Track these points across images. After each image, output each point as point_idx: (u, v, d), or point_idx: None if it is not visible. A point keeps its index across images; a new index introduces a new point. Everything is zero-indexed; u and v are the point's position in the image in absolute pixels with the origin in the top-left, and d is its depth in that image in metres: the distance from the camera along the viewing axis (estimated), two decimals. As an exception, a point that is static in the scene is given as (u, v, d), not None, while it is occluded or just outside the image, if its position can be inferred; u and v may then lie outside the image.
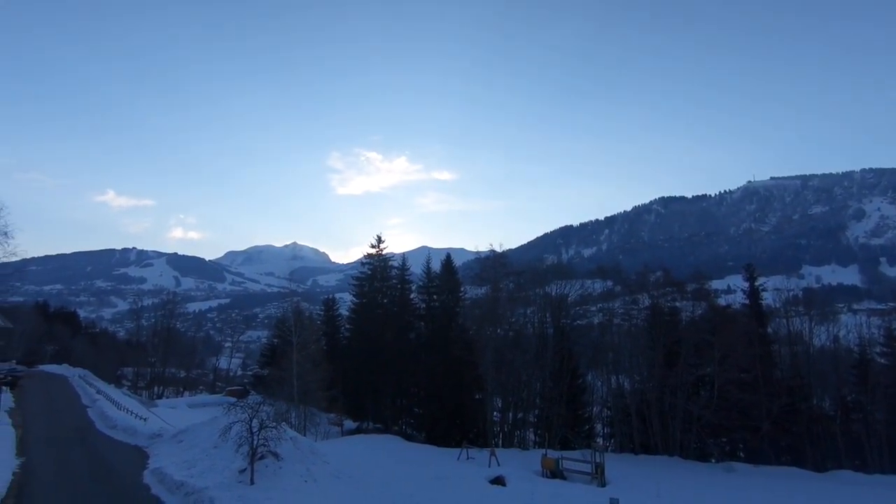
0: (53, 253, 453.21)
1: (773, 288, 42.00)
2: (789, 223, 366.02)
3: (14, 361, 56.12)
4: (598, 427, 40.11)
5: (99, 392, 42.01)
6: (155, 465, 18.00)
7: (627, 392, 36.15)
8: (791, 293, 40.41)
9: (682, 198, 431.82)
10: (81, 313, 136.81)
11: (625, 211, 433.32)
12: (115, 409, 33.86)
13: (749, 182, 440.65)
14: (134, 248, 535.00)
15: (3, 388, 37.46)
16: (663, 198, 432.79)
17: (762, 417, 31.02)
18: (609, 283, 45.18)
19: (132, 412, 33.65)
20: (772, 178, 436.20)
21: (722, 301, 44.59)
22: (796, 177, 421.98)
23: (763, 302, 37.74)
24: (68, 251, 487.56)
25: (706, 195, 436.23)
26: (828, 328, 37.52)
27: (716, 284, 56.35)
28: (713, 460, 32.51)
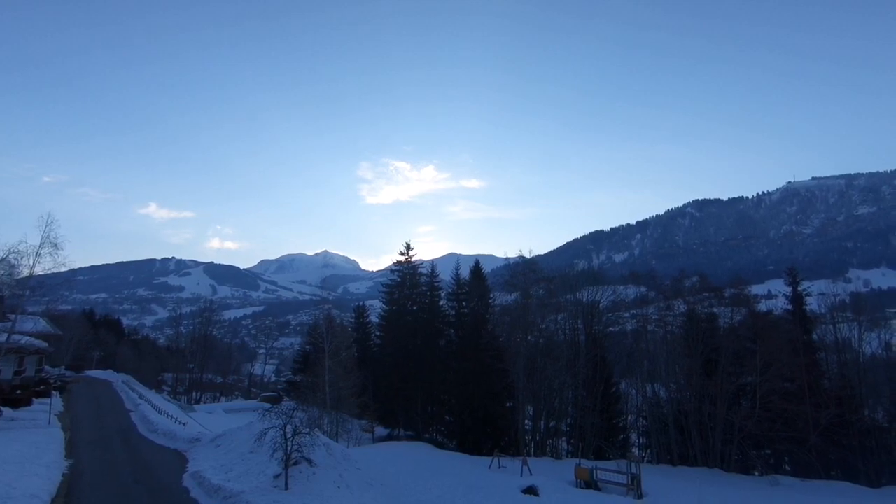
0: (99, 263, 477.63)
1: (818, 293, 40.08)
2: (834, 225, 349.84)
3: (63, 367, 58.88)
4: (634, 437, 39.02)
5: (141, 397, 43.62)
6: (194, 468, 18.49)
7: (664, 401, 35.06)
8: (837, 298, 38.30)
9: (718, 200, 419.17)
10: (125, 321, 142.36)
11: (657, 215, 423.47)
12: (156, 413, 35.05)
13: (789, 183, 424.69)
14: (173, 257, 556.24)
15: (54, 392, 39.35)
16: (697, 201, 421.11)
17: (809, 429, 29.52)
18: (642, 288, 44.09)
19: (172, 417, 34.79)
20: (813, 178, 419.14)
21: (762, 307, 42.79)
22: (840, 176, 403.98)
23: (807, 307, 36.04)
24: (113, 261, 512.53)
25: (743, 197, 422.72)
26: (879, 335, 35.48)
27: (755, 289, 54.16)
28: (757, 473, 31.13)
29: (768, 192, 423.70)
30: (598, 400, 35.12)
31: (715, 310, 36.23)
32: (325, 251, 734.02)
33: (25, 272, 26.11)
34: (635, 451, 36.17)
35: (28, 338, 34.77)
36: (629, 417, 39.40)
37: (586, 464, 25.66)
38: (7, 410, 29.69)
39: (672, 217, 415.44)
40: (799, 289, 35.79)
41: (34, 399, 35.43)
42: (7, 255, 25.23)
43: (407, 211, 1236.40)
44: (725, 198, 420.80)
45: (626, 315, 43.21)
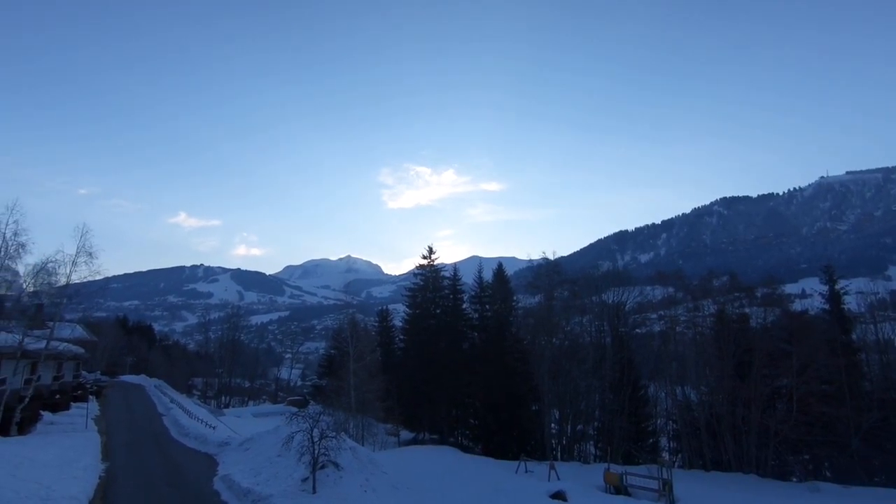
0: (132, 271, 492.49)
1: (857, 291, 38.49)
2: (871, 220, 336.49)
3: (99, 372, 60.83)
4: (664, 441, 38.09)
5: (172, 401, 44.64)
6: (223, 472, 18.80)
7: (694, 404, 34.12)
8: (878, 296, 36.78)
9: (747, 197, 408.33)
10: (156, 327, 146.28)
11: (684, 214, 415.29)
12: (187, 417, 35.81)
13: (822, 178, 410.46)
14: (202, 264, 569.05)
15: (90, 396, 40.63)
16: (725, 198, 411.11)
17: (850, 433, 28.30)
18: (669, 289, 43.10)
19: (202, 421, 35.53)
20: (848, 173, 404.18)
21: (797, 306, 41.31)
22: (877, 170, 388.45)
23: (845, 306, 34.59)
24: (144, 269, 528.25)
25: (773, 194, 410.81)
26: (925, 334, 33.82)
27: (789, 289, 52.43)
28: (795, 479, 29.98)
29: (800, 188, 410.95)
30: (626, 403, 34.43)
31: (746, 310, 35.11)
32: (349, 256, 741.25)
33: (63, 280, 27.04)
34: (666, 455, 35.31)
35: (66, 344, 35.90)
36: (658, 421, 38.45)
37: (615, 468, 25.13)
38: (47, 415, 30.77)
39: (699, 215, 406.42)
40: (836, 287, 34.42)
41: (72, 403, 36.67)
42: (46, 264, 26.19)
43: (428, 215, 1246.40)
44: (755, 195, 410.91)
45: (654, 316, 42.38)
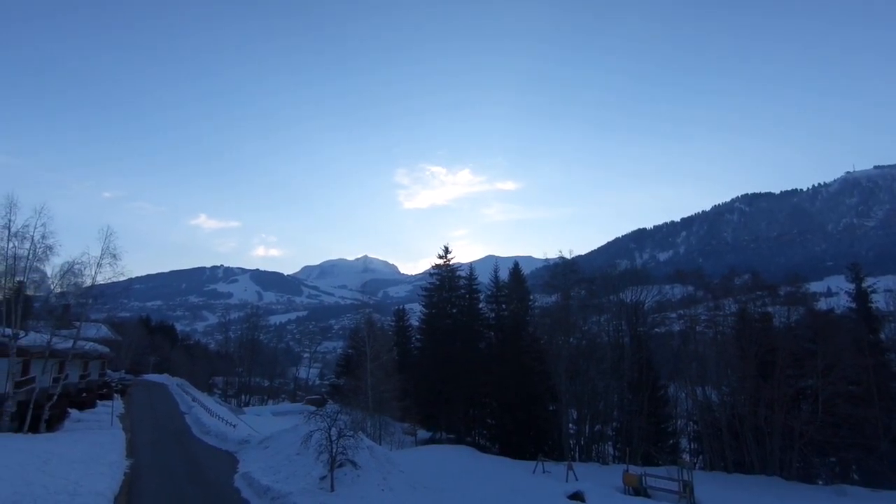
0: (154, 272, 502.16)
1: (885, 289, 37.30)
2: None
3: (123, 371, 62.26)
4: (684, 442, 37.51)
5: (194, 400, 45.46)
6: (244, 469, 19.11)
7: (715, 405, 33.53)
8: (907, 295, 35.65)
9: (769, 194, 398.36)
10: (178, 326, 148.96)
11: (703, 211, 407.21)
12: (208, 415, 36.43)
13: (848, 173, 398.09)
14: (222, 265, 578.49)
15: (115, 395, 41.65)
16: (747, 195, 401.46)
17: (878, 435, 27.50)
18: (689, 288, 42.41)
19: (223, 419, 36.12)
20: (875, 167, 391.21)
21: (822, 305, 40.27)
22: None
23: (873, 305, 33.62)
24: (166, 270, 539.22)
25: (797, 190, 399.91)
26: (957, 334, 32.66)
27: (813, 287, 50.88)
28: (821, 482, 29.27)
29: (825, 184, 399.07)
30: (645, 403, 34.02)
31: (769, 309, 34.38)
32: (365, 256, 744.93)
33: (88, 281, 27.69)
34: (686, 456, 34.79)
35: (92, 343, 36.91)
36: (678, 422, 37.90)
37: (634, 470, 24.85)
38: (74, 412, 31.62)
39: (719, 213, 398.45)
40: (863, 285, 33.48)
41: (98, 401, 37.62)
42: (72, 266, 26.88)
43: (443, 215, 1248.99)
44: (777, 191, 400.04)
45: (673, 315, 41.72)
